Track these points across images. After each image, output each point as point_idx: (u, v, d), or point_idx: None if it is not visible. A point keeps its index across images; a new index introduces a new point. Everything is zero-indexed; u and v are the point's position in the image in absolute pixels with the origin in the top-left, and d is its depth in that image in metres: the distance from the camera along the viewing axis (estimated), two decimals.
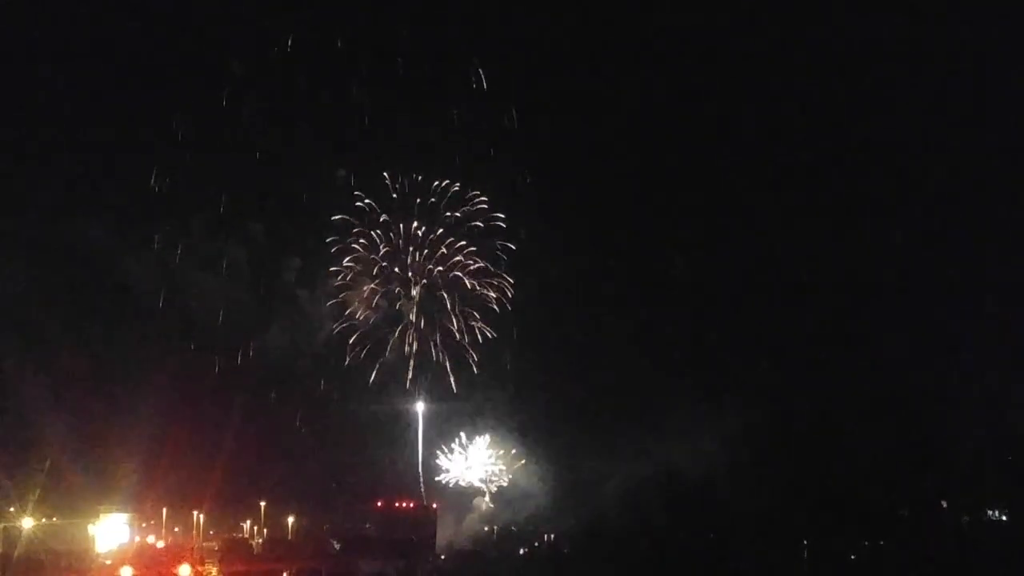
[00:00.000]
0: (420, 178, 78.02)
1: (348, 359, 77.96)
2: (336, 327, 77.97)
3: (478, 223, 78.78)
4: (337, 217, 78.24)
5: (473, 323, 78.58)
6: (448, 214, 79.05)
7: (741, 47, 77.47)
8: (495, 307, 78.47)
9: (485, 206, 78.54)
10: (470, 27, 79.61)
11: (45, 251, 72.84)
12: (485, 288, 78.61)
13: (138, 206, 76.28)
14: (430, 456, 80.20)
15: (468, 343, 78.34)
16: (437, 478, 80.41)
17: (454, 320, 79.01)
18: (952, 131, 73.86)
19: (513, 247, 78.15)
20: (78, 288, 74.43)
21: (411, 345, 78.65)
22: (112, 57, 78.88)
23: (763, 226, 78.02)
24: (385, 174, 77.80)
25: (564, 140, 79.48)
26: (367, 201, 78.34)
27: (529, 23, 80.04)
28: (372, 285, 78.78)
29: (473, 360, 77.74)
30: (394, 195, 78.52)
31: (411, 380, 78.53)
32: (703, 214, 79.66)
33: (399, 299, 79.48)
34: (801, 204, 77.58)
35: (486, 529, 79.12)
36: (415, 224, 79.18)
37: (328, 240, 78.15)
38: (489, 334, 78.27)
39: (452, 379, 78.38)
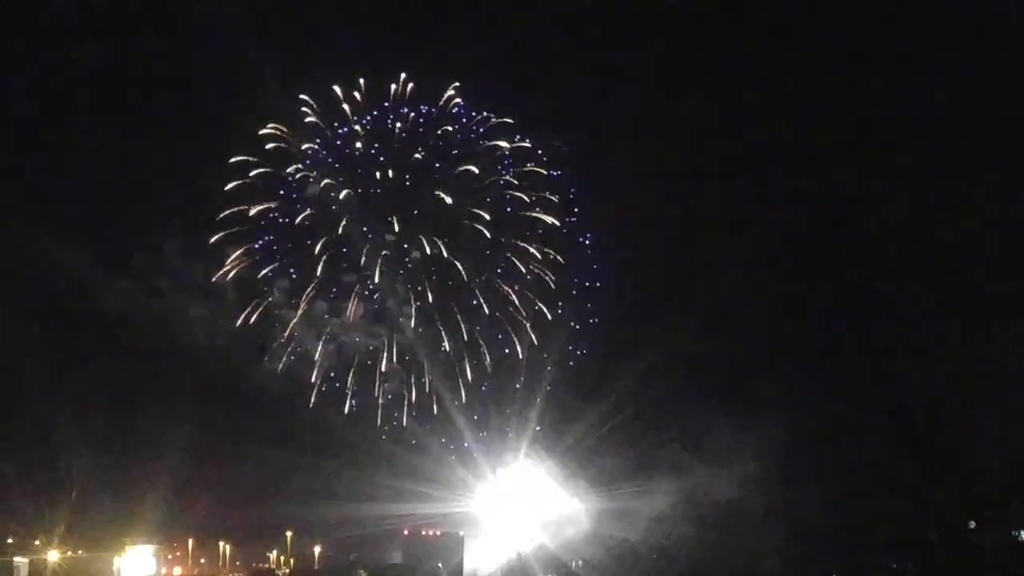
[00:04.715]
0: None
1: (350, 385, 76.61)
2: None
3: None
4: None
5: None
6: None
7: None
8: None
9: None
10: None
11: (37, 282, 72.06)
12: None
13: (121, 231, 76.31)
14: (458, 479, 78.50)
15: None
16: (467, 502, 78.90)
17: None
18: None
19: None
20: (66, 320, 73.46)
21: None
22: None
23: (795, 241, 78.41)
24: None
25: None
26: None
27: None
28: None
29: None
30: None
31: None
32: (739, 230, 79.95)
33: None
34: (831, 218, 78.17)
35: (514, 555, 78.74)
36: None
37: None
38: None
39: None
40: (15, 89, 75.46)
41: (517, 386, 76.80)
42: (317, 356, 75.61)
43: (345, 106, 76.61)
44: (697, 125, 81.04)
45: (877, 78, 79.78)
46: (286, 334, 75.51)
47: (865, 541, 66.95)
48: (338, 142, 76.97)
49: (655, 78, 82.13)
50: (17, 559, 64.58)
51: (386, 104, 77.04)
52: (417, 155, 76.07)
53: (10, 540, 66.67)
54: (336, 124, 76.93)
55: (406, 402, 76.28)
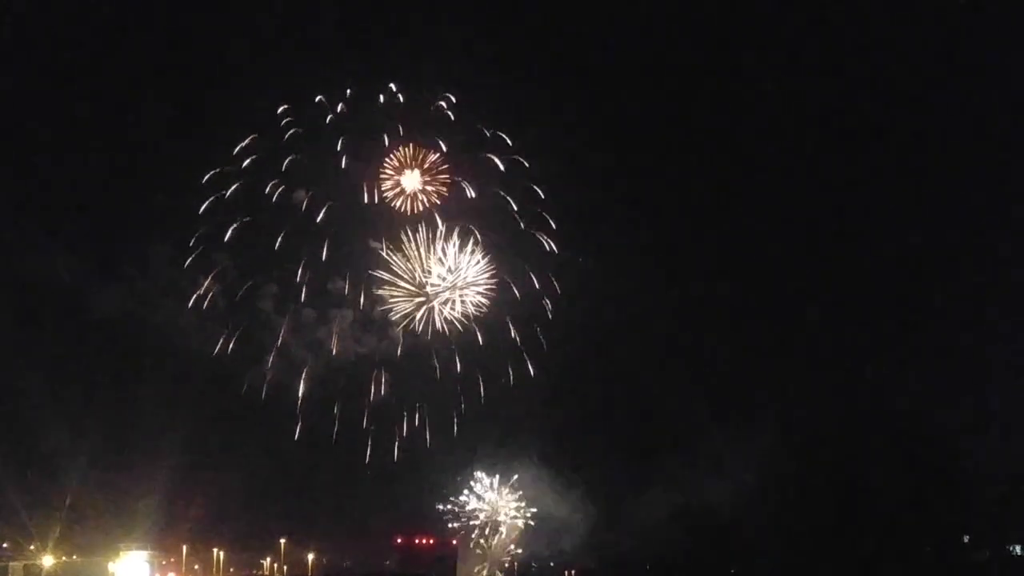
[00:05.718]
0: None
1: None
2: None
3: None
4: None
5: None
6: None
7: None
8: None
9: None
10: None
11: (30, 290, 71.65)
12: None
13: (109, 237, 75.60)
14: (452, 488, 78.18)
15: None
16: (458, 511, 78.38)
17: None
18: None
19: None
20: (60, 327, 73.39)
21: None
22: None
23: (796, 254, 78.65)
24: None
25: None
26: None
27: None
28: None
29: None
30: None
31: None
32: (733, 241, 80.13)
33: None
34: (829, 231, 78.20)
35: (507, 565, 78.71)
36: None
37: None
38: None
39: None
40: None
41: (510, 417, 74.92)
42: (300, 391, 73.12)
43: (330, 116, 73.81)
44: (694, 132, 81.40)
45: (874, 78, 79.61)
46: (271, 356, 73.63)
47: (859, 553, 66.65)
48: (322, 153, 73.88)
49: (655, 88, 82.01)
50: (12, 564, 65.57)
51: (373, 111, 74.64)
52: (406, 168, 74.36)
53: (5, 545, 67.32)
54: (321, 134, 74.09)
55: (396, 436, 73.88)
